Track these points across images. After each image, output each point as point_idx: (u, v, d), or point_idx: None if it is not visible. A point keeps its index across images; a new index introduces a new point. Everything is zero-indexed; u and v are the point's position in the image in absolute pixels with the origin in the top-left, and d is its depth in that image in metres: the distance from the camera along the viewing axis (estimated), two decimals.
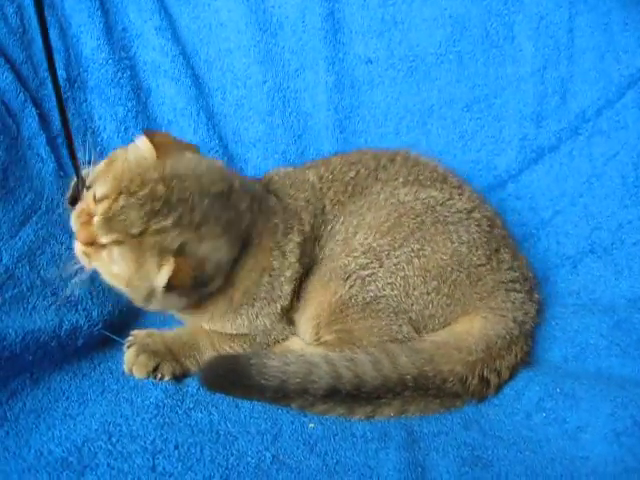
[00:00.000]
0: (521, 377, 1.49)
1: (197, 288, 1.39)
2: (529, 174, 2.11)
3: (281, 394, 1.33)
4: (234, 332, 1.55)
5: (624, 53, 2.00)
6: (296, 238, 1.57)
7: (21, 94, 1.65)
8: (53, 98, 1.71)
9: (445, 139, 2.15)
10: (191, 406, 1.32)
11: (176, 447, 1.18)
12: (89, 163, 1.43)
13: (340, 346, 1.47)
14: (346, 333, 1.50)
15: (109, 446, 1.16)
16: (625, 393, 1.36)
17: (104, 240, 1.30)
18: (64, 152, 1.71)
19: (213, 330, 1.55)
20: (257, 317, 1.54)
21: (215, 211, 1.38)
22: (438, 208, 1.56)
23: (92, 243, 1.31)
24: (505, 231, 1.67)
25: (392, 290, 1.49)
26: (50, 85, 1.71)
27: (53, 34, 1.78)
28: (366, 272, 1.50)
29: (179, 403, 1.33)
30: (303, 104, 2.15)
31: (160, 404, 1.31)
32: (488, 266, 1.54)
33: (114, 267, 1.32)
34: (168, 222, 1.30)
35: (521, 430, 1.32)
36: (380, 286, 1.49)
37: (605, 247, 1.92)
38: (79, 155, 1.71)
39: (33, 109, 1.67)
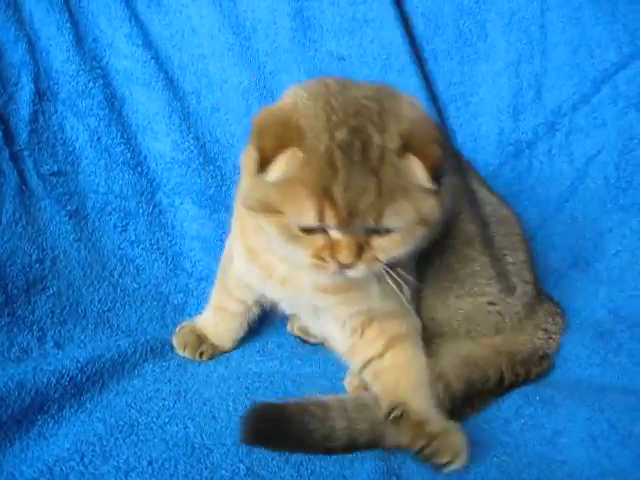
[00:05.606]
0: None
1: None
2: (510, 171, 2.11)
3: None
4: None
5: (597, 47, 2.01)
6: None
7: None
8: (20, 112, 1.72)
9: None
10: (166, 420, 1.31)
11: (149, 463, 1.17)
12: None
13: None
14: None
15: (81, 467, 1.15)
16: (602, 398, 1.38)
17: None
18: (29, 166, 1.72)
19: None
20: None
21: None
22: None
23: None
24: None
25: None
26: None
27: (21, 48, 1.76)
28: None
29: (154, 419, 1.32)
30: None
31: (135, 423, 1.30)
32: None
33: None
34: None
35: (498, 435, 1.31)
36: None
37: (587, 259, 1.95)
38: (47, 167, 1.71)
39: None
